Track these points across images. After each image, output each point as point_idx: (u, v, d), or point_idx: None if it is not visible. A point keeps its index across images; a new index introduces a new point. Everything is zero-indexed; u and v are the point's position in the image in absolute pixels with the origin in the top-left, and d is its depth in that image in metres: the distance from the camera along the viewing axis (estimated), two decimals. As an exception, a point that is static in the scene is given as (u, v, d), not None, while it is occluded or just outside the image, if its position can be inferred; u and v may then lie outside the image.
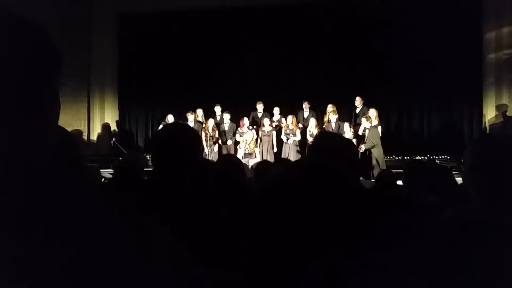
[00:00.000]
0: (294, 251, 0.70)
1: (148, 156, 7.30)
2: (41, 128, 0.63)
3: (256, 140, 9.14)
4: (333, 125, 8.96)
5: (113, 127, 11.22)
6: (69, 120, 9.82)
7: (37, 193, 0.59)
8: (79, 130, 10.48)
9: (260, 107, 9.74)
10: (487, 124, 9.47)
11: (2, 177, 0.58)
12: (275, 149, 9.15)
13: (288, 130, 9.07)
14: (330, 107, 9.17)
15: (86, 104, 10.78)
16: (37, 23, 0.63)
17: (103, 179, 5.75)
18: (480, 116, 9.80)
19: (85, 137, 10.67)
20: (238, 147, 9.08)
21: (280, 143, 9.21)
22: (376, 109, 8.71)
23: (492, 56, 9.35)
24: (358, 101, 9.30)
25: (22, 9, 0.64)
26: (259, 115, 9.72)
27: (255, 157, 8.78)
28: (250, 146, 8.78)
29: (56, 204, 0.59)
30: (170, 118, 9.65)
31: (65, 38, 8.68)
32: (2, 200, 0.56)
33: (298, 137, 9.06)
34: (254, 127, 9.39)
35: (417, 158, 8.83)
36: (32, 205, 0.57)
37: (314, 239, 0.70)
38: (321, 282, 0.70)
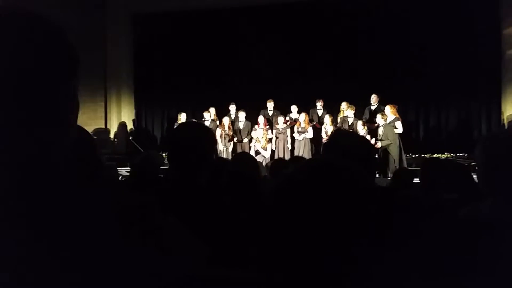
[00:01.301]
0: (309, 250, 0.70)
1: (164, 154, 7.36)
2: (61, 128, 0.64)
3: (271, 138, 9.21)
4: (350, 120, 8.91)
5: (130, 125, 11.34)
6: (87, 119, 9.96)
7: (56, 191, 0.60)
8: (101, 128, 10.64)
9: (270, 105, 9.74)
10: (505, 121, 9.29)
11: (23, 176, 0.59)
12: (290, 146, 9.18)
13: (300, 128, 9.08)
14: (344, 105, 9.13)
15: (103, 104, 10.92)
16: (55, 24, 0.65)
17: (120, 177, 5.82)
18: (499, 113, 9.62)
19: (104, 136, 10.82)
20: (250, 145, 9.18)
21: (294, 141, 9.23)
22: (394, 104, 8.58)
23: (511, 52, 9.17)
24: (374, 99, 9.18)
25: (38, 11, 0.65)
26: (270, 113, 9.73)
27: (265, 150, 8.85)
28: (261, 142, 8.89)
29: (75, 202, 0.60)
30: (182, 116, 9.73)
31: (81, 38, 8.77)
32: (22, 198, 0.58)
33: (310, 135, 9.08)
34: (268, 125, 9.44)
35: (434, 155, 8.70)
36: (51, 203, 0.59)
37: (329, 237, 0.70)
38: (336, 280, 0.70)
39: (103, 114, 10.93)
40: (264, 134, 8.98)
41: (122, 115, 11.24)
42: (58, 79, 0.63)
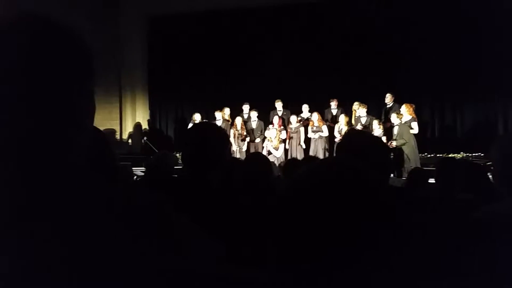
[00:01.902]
0: (321, 251, 0.70)
1: (178, 154, 7.40)
2: (78, 129, 0.65)
3: (285, 139, 9.19)
4: (363, 120, 8.82)
5: (144, 126, 11.45)
6: (102, 120, 10.08)
7: (73, 191, 0.62)
8: (113, 129, 10.78)
9: (279, 105, 9.71)
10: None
11: (40, 176, 0.61)
12: (304, 146, 9.13)
13: (314, 127, 9.04)
14: (356, 105, 9.07)
15: (118, 105, 11.04)
16: (70, 27, 0.66)
17: (135, 177, 5.87)
18: (516, 112, 9.45)
19: (118, 136, 10.94)
20: (263, 145, 9.17)
21: (308, 140, 9.19)
22: (411, 104, 8.50)
23: (529, 49, 8.98)
24: (389, 98, 9.09)
25: (54, 13, 0.66)
26: (279, 113, 9.70)
27: (277, 150, 8.83)
28: (273, 142, 8.85)
29: (91, 201, 0.61)
30: (197, 117, 9.78)
31: (96, 40, 8.88)
32: (39, 197, 0.59)
33: (326, 133, 9.03)
34: (282, 126, 9.43)
35: (450, 155, 8.59)
36: (67, 201, 0.60)
37: (341, 238, 0.70)
38: (349, 280, 0.70)
39: (118, 115, 11.05)
40: (276, 134, 8.95)
41: (136, 115, 11.35)
42: (75, 81, 0.65)
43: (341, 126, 8.87)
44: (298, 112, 9.61)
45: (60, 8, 7.34)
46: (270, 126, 9.28)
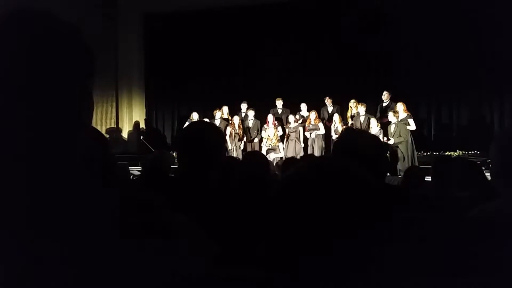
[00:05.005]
0: (313, 249, 0.70)
1: (174, 154, 7.39)
2: (76, 128, 0.65)
3: (282, 136, 9.18)
4: (361, 118, 8.82)
5: (141, 125, 11.42)
6: (99, 119, 10.05)
7: (70, 190, 0.61)
8: (113, 128, 10.75)
9: (279, 103, 9.72)
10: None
11: (37, 175, 0.61)
12: (302, 144, 9.13)
13: (311, 126, 9.05)
14: (352, 102, 9.08)
15: (114, 104, 11.01)
16: (71, 24, 0.66)
17: (131, 177, 5.86)
18: (512, 109, 9.48)
19: (115, 136, 10.91)
20: (262, 144, 9.16)
21: (306, 139, 9.21)
22: (404, 102, 8.54)
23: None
24: (386, 96, 9.11)
25: (53, 11, 0.66)
26: (279, 111, 9.71)
27: (279, 151, 8.83)
28: (272, 141, 8.83)
29: (88, 201, 0.61)
30: (194, 116, 9.77)
31: (92, 39, 8.81)
32: (36, 197, 0.59)
33: (322, 131, 9.04)
34: (276, 123, 9.42)
35: (446, 153, 8.62)
36: (65, 202, 0.60)
37: (334, 237, 0.70)
38: (342, 280, 0.70)
39: (114, 114, 11.02)
40: (274, 132, 8.94)
41: (133, 114, 11.33)
42: (75, 80, 0.65)
43: (336, 125, 8.89)
44: (297, 110, 9.62)
45: (56, 6, 7.30)
46: (265, 125, 9.26)
